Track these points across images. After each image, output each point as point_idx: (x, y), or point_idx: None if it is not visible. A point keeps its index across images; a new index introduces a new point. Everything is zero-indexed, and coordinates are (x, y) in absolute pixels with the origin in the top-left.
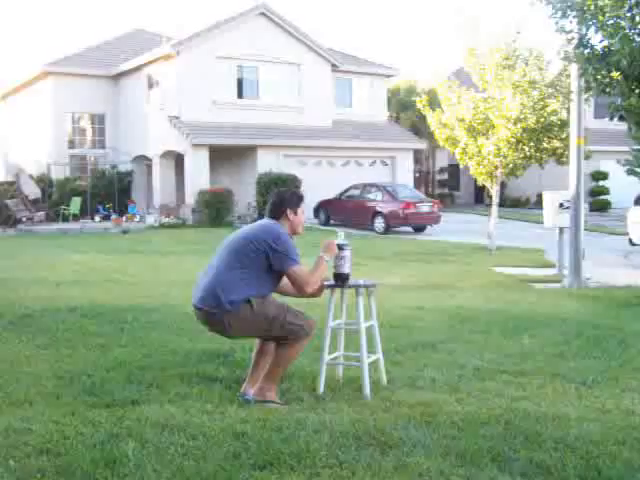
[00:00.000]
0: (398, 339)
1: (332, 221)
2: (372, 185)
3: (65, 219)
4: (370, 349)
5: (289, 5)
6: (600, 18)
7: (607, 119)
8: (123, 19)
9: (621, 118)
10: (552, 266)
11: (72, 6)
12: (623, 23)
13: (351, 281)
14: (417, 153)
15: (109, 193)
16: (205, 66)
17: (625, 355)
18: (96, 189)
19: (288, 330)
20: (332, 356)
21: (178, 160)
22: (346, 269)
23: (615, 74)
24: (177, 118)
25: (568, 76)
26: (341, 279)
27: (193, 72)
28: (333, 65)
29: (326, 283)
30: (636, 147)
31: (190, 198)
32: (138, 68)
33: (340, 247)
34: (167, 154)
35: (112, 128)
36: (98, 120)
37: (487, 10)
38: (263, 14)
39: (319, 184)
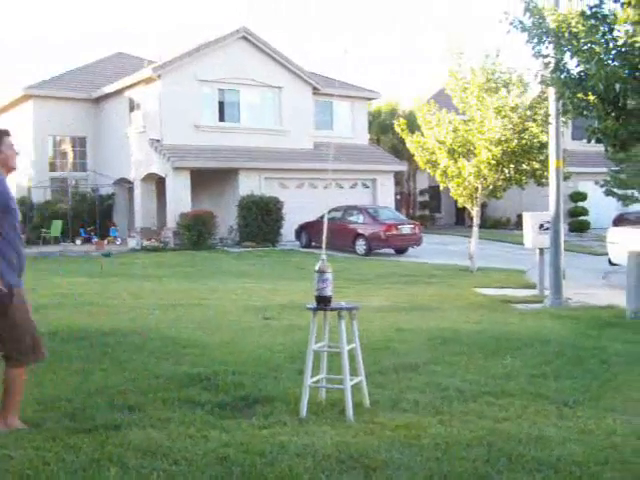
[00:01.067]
0: (380, 361)
1: (313, 243)
2: (354, 207)
3: (46, 242)
4: (352, 371)
5: (271, 28)
6: (575, 44)
7: (585, 141)
8: (105, 42)
9: (598, 140)
10: (533, 287)
11: (55, 29)
12: (598, 49)
13: (333, 304)
14: (398, 175)
15: (90, 216)
16: (186, 89)
17: (606, 375)
18: (77, 212)
19: (22, 346)
20: (315, 379)
21: (160, 183)
22: (328, 292)
23: (591, 97)
24: (158, 141)
25: (546, 99)
26: (323, 302)
27: (174, 95)
28: (314, 88)
29: (308, 306)
30: (614, 168)
31: (172, 221)
32: (120, 91)
33: (322, 270)
34: (149, 177)
35: (93, 151)
36: (79, 143)
37: (469, 33)
38: (244, 38)
39: (301, 206)
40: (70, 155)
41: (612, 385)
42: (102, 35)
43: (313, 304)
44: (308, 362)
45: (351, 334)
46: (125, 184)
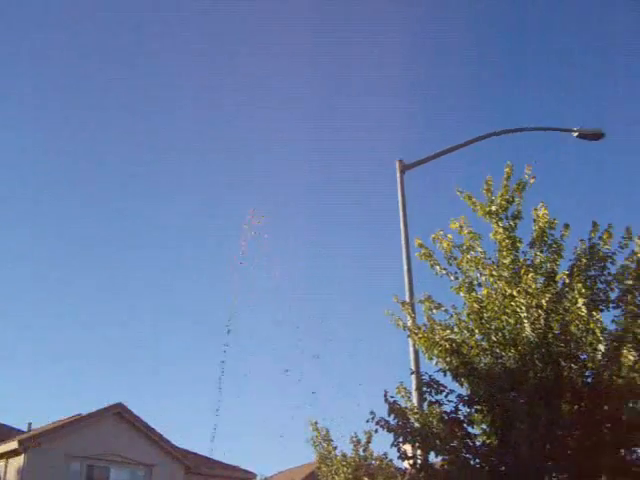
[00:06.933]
0: None
1: None
2: None
3: None
4: None
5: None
6: (438, 443)
7: None
8: None
9: None
10: None
11: None
12: (459, 449)
13: None
14: None
15: None
16: (53, 464)
17: None
18: None
19: None
20: None
21: None
22: None
23: None
24: None
25: None
26: None
27: (39, 471)
28: (187, 467)
29: None
30: None
31: None
32: None
33: None
34: None
35: None
36: None
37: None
38: (119, 414)
39: None
40: None
41: None
42: None
43: None
44: None
45: None
46: None
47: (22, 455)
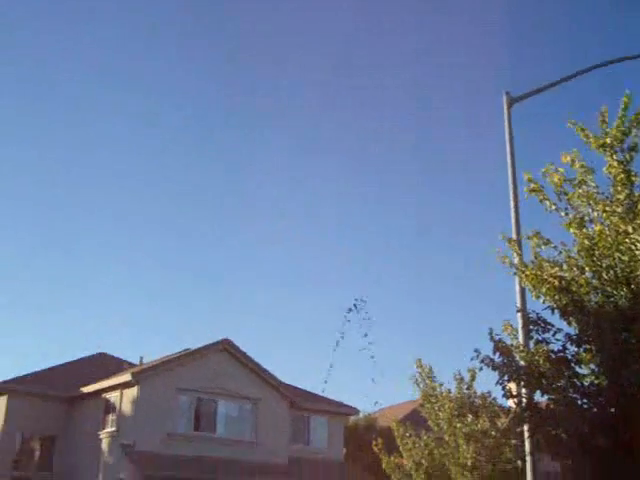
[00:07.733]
0: None
1: None
2: None
3: None
4: None
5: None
6: (544, 382)
7: None
8: (90, 339)
9: None
10: None
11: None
12: (566, 389)
13: None
14: None
15: None
16: (164, 396)
17: None
18: None
19: None
20: None
21: None
22: None
23: (564, 436)
24: (131, 447)
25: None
26: None
27: (151, 402)
28: (292, 402)
29: None
30: None
31: None
32: (96, 392)
33: None
34: None
35: (61, 451)
36: (48, 442)
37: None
38: (225, 349)
39: None
40: (37, 454)
41: None
42: (89, 332)
43: None
44: None
45: None
46: None
47: (135, 387)
